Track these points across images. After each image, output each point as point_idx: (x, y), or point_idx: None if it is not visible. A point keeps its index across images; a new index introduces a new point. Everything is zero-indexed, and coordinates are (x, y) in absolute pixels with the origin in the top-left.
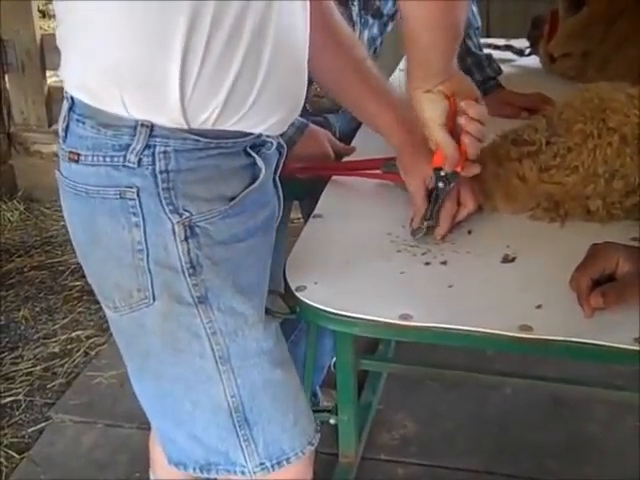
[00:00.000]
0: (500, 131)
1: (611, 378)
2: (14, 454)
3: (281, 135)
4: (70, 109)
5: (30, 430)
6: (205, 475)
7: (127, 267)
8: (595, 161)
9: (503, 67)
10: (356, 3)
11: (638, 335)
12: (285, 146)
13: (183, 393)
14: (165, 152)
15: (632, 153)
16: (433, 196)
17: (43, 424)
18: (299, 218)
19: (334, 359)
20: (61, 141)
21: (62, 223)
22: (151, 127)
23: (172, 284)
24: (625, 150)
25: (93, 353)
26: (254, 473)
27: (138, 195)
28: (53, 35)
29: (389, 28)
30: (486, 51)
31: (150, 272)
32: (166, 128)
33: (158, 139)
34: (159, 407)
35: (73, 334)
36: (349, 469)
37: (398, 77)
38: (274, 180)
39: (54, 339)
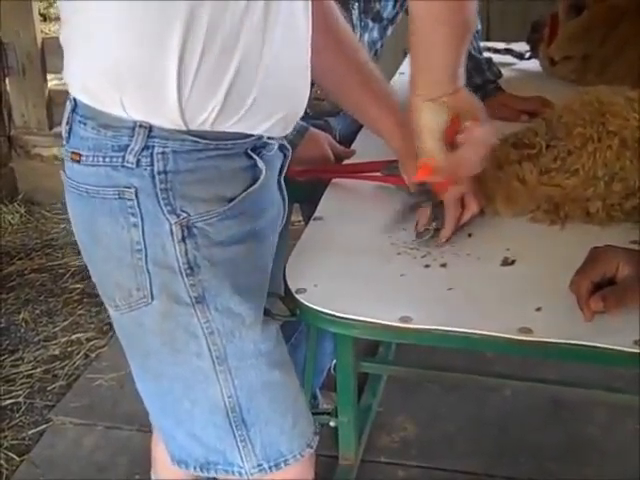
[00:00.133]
0: (500, 134)
1: (611, 381)
2: (14, 456)
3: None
4: (73, 110)
5: (30, 432)
6: (205, 474)
7: (126, 267)
8: (595, 164)
9: (503, 71)
10: (356, 6)
11: (638, 338)
12: (290, 149)
13: (182, 392)
14: (164, 153)
15: (632, 156)
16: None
17: (43, 426)
18: (300, 221)
19: (334, 361)
20: (64, 142)
21: (62, 226)
22: (149, 128)
23: (170, 284)
24: (625, 153)
25: (93, 355)
26: (251, 474)
27: (136, 195)
28: (54, 38)
29: (389, 32)
30: (486, 55)
31: (148, 272)
32: (165, 129)
33: (157, 140)
34: (160, 405)
35: (73, 336)
36: (349, 471)
37: (398, 81)
38: (279, 183)
39: (54, 341)
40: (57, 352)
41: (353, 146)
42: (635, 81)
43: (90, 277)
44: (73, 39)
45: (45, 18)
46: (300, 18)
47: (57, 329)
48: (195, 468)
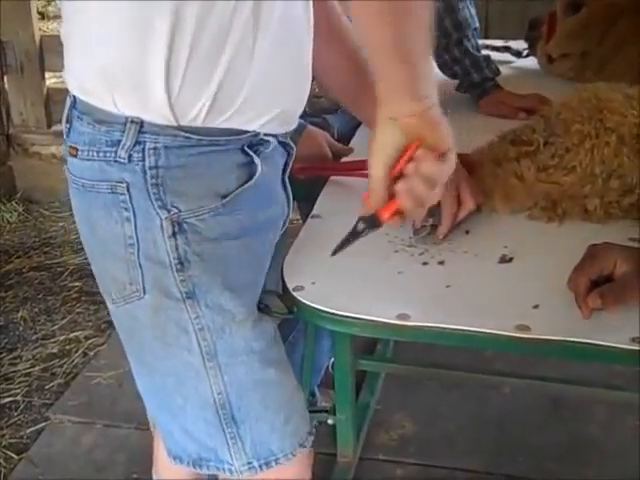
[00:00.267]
0: (499, 132)
1: (611, 378)
2: (13, 455)
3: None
4: (72, 106)
5: (29, 431)
6: (198, 470)
7: (120, 260)
8: (593, 161)
9: (501, 68)
10: None
11: (636, 335)
12: (294, 147)
13: (174, 387)
14: (155, 148)
15: (629, 153)
16: None
17: (42, 424)
18: (298, 219)
19: (332, 359)
20: (65, 137)
21: (61, 224)
22: (141, 124)
23: (161, 279)
24: (622, 150)
25: (92, 354)
26: (241, 472)
27: (128, 190)
28: (52, 36)
29: None
30: (484, 52)
31: (141, 266)
32: (156, 125)
33: (148, 135)
34: (156, 400)
35: (72, 335)
36: (347, 469)
37: None
38: (283, 181)
39: (53, 340)
40: (55, 350)
41: (351, 144)
42: (633, 78)
43: (88, 275)
44: (70, 37)
45: (43, 16)
46: (300, 17)
47: (55, 327)
48: (189, 464)
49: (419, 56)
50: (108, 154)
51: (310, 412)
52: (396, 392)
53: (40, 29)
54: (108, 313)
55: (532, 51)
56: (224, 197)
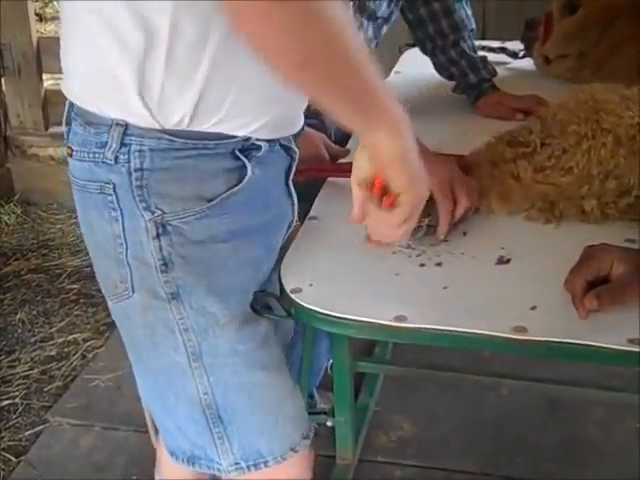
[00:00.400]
0: (495, 133)
1: (609, 379)
2: (11, 457)
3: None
4: (70, 107)
5: (27, 433)
6: (192, 468)
7: (111, 259)
8: (589, 162)
9: (497, 70)
10: (351, 5)
11: (633, 336)
12: (297, 151)
13: (166, 385)
14: (140, 151)
15: (626, 154)
16: None
17: (40, 427)
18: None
19: (330, 361)
20: (65, 137)
21: (59, 226)
22: (126, 126)
23: (147, 279)
24: (619, 151)
25: (90, 356)
26: (228, 472)
27: (115, 191)
28: (50, 38)
29: (384, 30)
30: (480, 53)
31: (129, 265)
32: (140, 127)
33: (134, 138)
34: (152, 397)
35: (70, 337)
36: (346, 471)
37: (394, 79)
38: (287, 185)
39: (51, 342)
40: (54, 353)
41: (348, 145)
42: (631, 79)
43: (86, 277)
44: (62, 39)
45: (41, 18)
46: None
47: (54, 330)
48: (183, 461)
49: (371, 93)
50: (97, 155)
51: (309, 414)
52: (395, 394)
53: (38, 31)
54: (106, 315)
55: (528, 52)
56: (210, 200)
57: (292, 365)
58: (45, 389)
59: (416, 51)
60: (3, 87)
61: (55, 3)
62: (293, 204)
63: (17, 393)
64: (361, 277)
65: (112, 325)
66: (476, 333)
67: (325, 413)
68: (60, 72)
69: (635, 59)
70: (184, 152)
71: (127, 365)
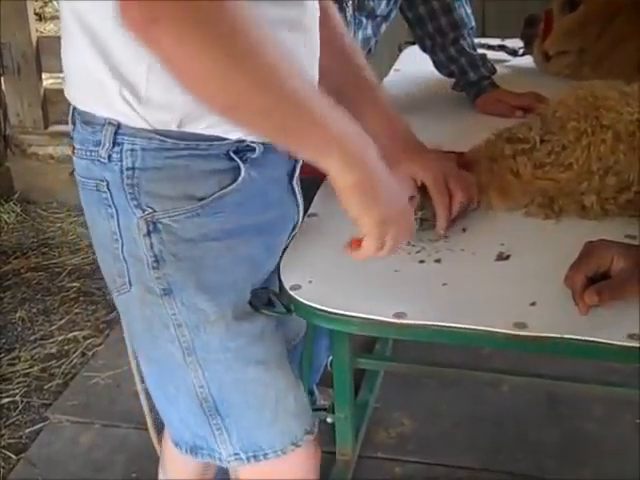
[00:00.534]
0: (495, 130)
1: (609, 375)
2: (11, 455)
3: None
4: (74, 106)
5: (27, 431)
6: (195, 458)
7: (110, 254)
8: (589, 158)
9: (497, 67)
10: (350, 3)
11: (633, 332)
12: None
13: (167, 377)
14: (132, 150)
15: (625, 150)
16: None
17: (40, 425)
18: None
19: (330, 358)
20: (70, 135)
21: (59, 224)
22: (118, 126)
23: (142, 275)
24: (619, 147)
25: (90, 354)
26: (228, 462)
27: (108, 188)
28: (49, 38)
29: (383, 29)
30: (480, 51)
31: (125, 261)
32: (131, 127)
33: (126, 137)
34: (156, 388)
35: (70, 335)
36: (346, 467)
37: (393, 77)
38: (291, 186)
39: (51, 340)
40: (54, 350)
41: None
42: (630, 76)
43: (86, 275)
44: (62, 41)
45: (40, 17)
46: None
47: (54, 328)
48: (187, 451)
49: (315, 123)
50: (93, 153)
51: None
52: (395, 390)
53: (37, 30)
54: (106, 313)
55: (528, 49)
56: (201, 200)
57: (292, 362)
58: (45, 387)
59: (416, 49)
60: (3, 86)
61: (55, 2)
62: (298, 205)
63: (17, 391)
64: (360, 274)
65: (112, 323)
66: (476, 329)
67: (325, 409)
68: (59, 71)
69: (635, 56)
70: (175, 152)
71: (127, 363)
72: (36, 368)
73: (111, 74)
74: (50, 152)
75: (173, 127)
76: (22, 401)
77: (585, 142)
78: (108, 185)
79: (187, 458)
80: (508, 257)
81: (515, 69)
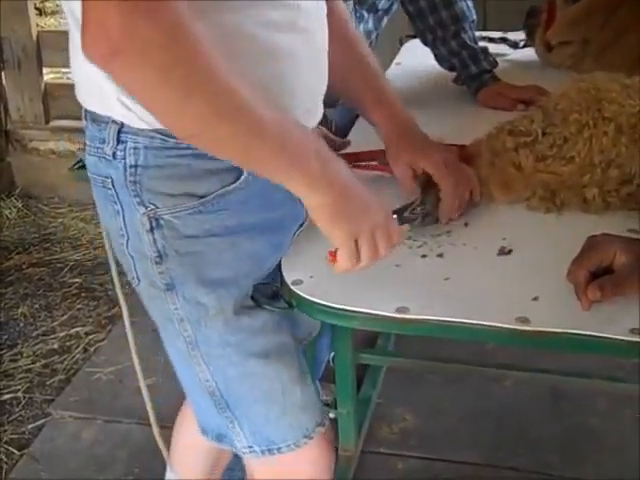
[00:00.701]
0: (497, 123)
1: (612, 370)
2: (14, 450)
3: None
4: None
5: (30, 427)
6: (218, 444)
7: (119, 249)
8: (591, 151)
9: (498, 60)
10: None
11: (636, 326)
12: None
13: (183, 366)
14: (135, 148)
15: (628, 142)
16: (422, 180)
17: (43, 420)
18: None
19: (332, 353)
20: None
21: (60, 220)
22: (121, 124)
23: (146, 270)
24: (621, 139)
25: (92, 349)
26: (243, 453)
27: (113, 185)
28: (50, 32)
29: (384, 22)
30: (481, 44)
31: (132, 257)
32: (132, 126)
33: (129, 136)
34: (180, 376)
35: (72, 331)
36: (349, 463)
37: (394, 71)
38: None
39: (53, 336)
40: (56, 346)
41: (349, 136)
42: (631, 68)
43: (88, 271)
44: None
45: (41, 12)
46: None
47: (56, 323)
48: (212, 438)
49: (278, 148)
50: (99, 150)
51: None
52: (397, 385)
53: (38, 25)
54: (108, 309)
55: (530, 39)
56: (202, 197)
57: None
58: (47, 382)
59: (417, 42)
60: (3, 81)
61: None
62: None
63: (19, 387)
64: (362, 269)
65: (114, 318)
66: (479, 324)
67: (327, 405)
68: (60, 66)
69: (637, 48)
70: (177, 151)
71: (129, 358)
72: (38, 364)
73: (107, 78)
74: (51, 147)
75: None
76: (24, 397)
77: (587, 135)
78: (113, 182)
79: (199, 456)
80: (510, 252)
81: (516, 62)
